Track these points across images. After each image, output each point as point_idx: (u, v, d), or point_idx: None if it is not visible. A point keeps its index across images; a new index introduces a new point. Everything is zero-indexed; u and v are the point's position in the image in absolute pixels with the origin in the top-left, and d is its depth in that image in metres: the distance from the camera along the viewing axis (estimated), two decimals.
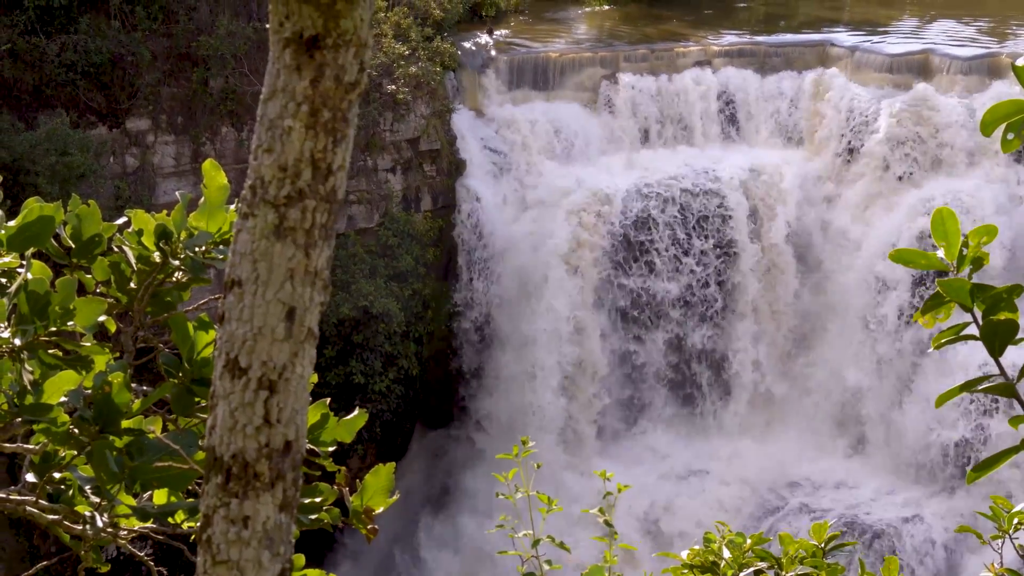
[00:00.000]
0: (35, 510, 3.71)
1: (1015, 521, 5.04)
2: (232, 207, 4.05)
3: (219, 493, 2.65)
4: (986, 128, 3.28)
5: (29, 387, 3.61)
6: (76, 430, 3.58)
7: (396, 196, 29.77)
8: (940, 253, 3.47)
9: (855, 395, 29.52)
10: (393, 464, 3.86)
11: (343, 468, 3.77)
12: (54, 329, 3.68)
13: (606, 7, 36.90)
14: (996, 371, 3.42)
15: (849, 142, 29.98)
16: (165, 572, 4.38)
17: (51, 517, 3.70)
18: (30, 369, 3.66)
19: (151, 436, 3.62)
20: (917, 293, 28.64)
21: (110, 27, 27.24)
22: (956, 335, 3.45)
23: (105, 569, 3.99)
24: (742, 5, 37.89)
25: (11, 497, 3.75)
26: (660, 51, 32.16)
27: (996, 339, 3.33)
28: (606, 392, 30.33)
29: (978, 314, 3.36)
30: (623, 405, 30.61)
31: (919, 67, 30.32)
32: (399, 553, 29.80)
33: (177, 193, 4.11)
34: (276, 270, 2.62)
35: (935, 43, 31.54)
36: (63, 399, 3.61)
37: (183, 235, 4.06)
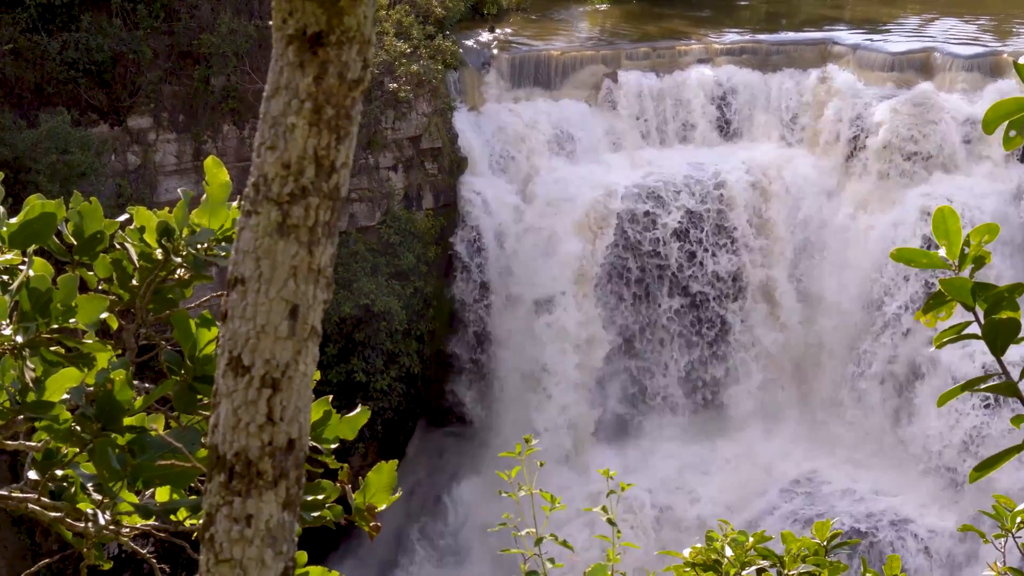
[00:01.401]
0: (37, 507, 3.71)
1: (1018, 520, 5.03)
2: (234, 204, 4.05)
3: (222, 491, 2.65)
4: (988, 126, 3.28)
5: (31, 384, 3.61)
6: (78, 427, 3.58)
7: (398, 194, 29.77)
8: (942, 252, 3.47)
9: (857, 393, 29.51)
10: (395, 461, 3.86)
11: (345, 465, 3.77)
12: (56, 326, 3.68)
13: (607, 5, 36.87)
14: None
15: (851, 140, 29.97)
16: (167, 570, 4.39)
17: (53, 515, 3.70)
18: (32, 366, 3.66)
19: (153, 434, 3.62)
20: (919, 291, 28.63)
21: (111, 25, 27.24)
22: (958, 334, 3.45)
23: (107, 567, 3.99)
24: (743, 3, 37.87)
25: (13, 495, 3.75)
26: (662, 49, 32.16)
27: (998, 338, 3.33)
28: (609, 390, 30.33)
29: (980, 313, 3.36)
30: (626, 403, 30.60)
31: (921, 65, 30.31)
32: (401, 550, 29.81)
33: (179, 190, 4.11)
34: (279, 268, 2.62)
35: (937, 41, 31.52)
36: (65, 396, 3.60)
37: (185, 232, 4.06)
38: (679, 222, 29.80)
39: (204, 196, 4.09)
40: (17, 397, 3.61)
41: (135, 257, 4.06)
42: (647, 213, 29.73)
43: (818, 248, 30.19)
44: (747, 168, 30.23)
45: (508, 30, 33.47)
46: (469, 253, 30.18)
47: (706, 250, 30.11)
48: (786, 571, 5.44)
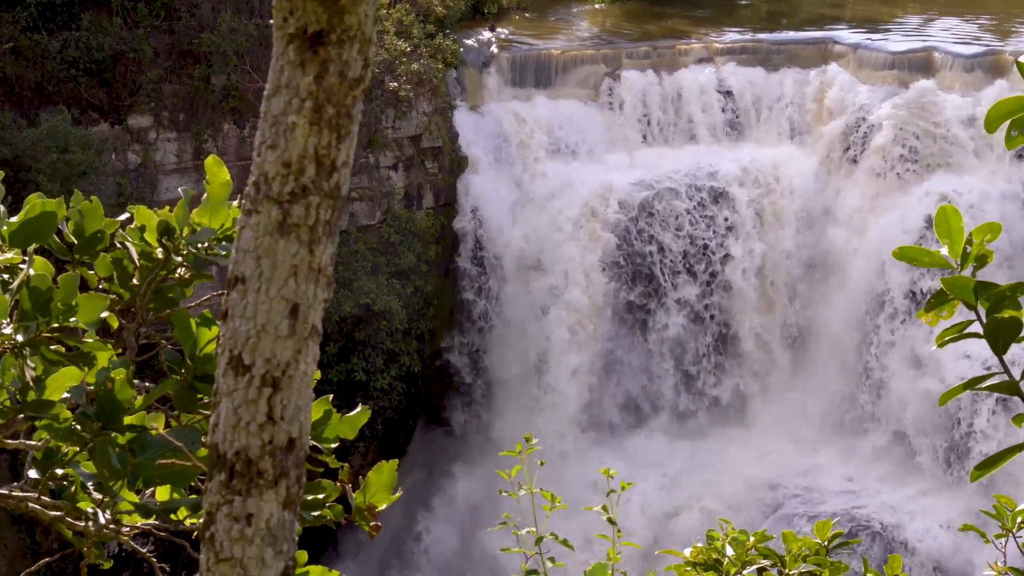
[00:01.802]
0: (37, 506, 3.71)
1: (1019, 519, 5.03)
2: (235, 203, 4.05)
3: (222, 490, 2.65)
4: (990, 125, 3.28)
5: (31, 383, 3.61)
6: (78, 426, 3.58)
7: (398, 193, 29.75)
8: (944, 251, 3.46)
9: (858, 393, 29.51)
10: (396, 461, 3.86)
11: (346, 464, 3.77)
12: (56, 325, 3.68)
13: (606, 4, 36.85)
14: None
15: (851, 139, 29.96)
16: (167, 569, 4.38)
17: (53, 513, 3.70)
18: (32, 365, 3.66)
19: (153, 433, 3.62)
20: (920, 290, 28.62)
21: (112, 24, 27.22)
22: (959, 333, 3.45)
23: (107, 565, 3.99)
24: (744, 3, 37.86)
25: (13, 493, 3.75)
26: (662, 48, 32.13)
27: (1000, 337, 3.32)
28: (609, 391, 30.31)
29: (982, 312, 3.35)
30: (626, 404, 30.58)
31: (921, 65, 30.29)
32: (401, 550, 29.80)
33: (180, 189, 4.10)
34: (280, 267, 2.61)
35: (937, 41, 31.50)
36: (65, 395, 3.60)
37: (185, 231, 4.05)
38: (680, 222, 29.73)
39: (205, 195, 4.08)
40: (17, 396, 3.60)
41: (135, 256, 4.06)
42: (648, 212, 29.63)
43: (820, 247, 30.13)
44: (748, 167, 30.09)
45: (508, 29, 33.46)
46: (469, 251, 30.14)
47: (707, 249, 30.02)
48: (787, 571, 5.44)
